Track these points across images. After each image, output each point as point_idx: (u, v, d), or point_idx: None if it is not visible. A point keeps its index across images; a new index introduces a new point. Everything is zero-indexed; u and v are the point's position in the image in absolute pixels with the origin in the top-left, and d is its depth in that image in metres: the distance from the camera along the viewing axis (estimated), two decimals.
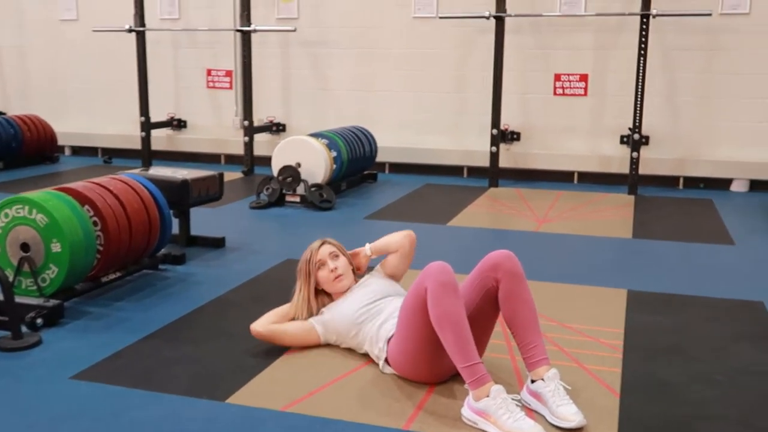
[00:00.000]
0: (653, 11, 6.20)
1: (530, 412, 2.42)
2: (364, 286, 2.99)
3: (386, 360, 2.72)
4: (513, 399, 2.36)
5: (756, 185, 6.60)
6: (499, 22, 6.54)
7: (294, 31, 7.23)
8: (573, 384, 2.55)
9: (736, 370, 2.80)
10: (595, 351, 2.97)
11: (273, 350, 2.93)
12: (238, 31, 7.25)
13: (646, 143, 6.69)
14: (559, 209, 5.76)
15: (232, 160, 7.90)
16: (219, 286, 3.76)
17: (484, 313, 2.61)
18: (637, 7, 6.35)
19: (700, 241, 4.82)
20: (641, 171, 6.49)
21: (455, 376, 2.64)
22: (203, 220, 4.95)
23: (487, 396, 2.32)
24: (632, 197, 6.31)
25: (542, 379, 2.44)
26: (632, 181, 6.45)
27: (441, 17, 6.93)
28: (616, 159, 6.86)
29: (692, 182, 6.79)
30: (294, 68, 7.71)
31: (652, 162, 6.73)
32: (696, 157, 6.73)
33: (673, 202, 6.13)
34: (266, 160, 7.19)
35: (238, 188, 6.54)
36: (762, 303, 3.55)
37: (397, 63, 7.37)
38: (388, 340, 2.71)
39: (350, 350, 2.93)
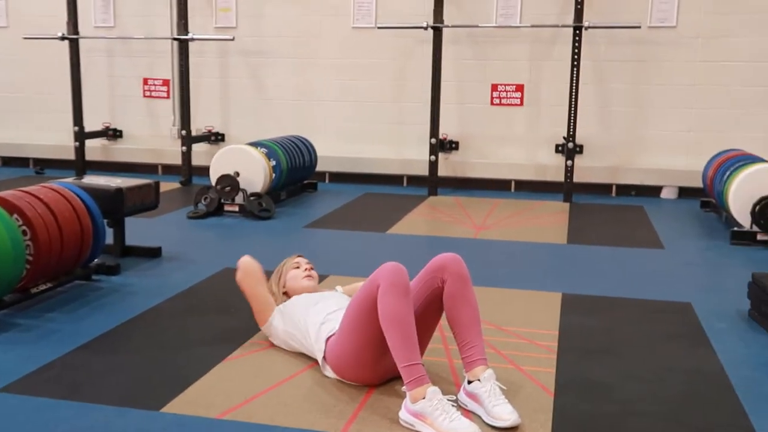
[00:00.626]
0: (585, 23, 6.37)
1: (467, 412, 2.45)
2: (323, 296, 3.02)
3: (324, 358, 2.73)
4: (449, 400, 2.39)
5: (684, 192, 6.82)
6: (437, 32, 6.62)
7: (232, 40, 7.19)
8: (509, 384, 2.59)
9: (664, 369, 2.88)
10: (531, 353, 3.03)
11: (210, 357, 2.90)
12: (175, 39, 7.17)
13: (580, 152, 6.86)
14: (496, 217, 5.85)
15: (169, 170, 7.79)
16: (154, 297, 3.69)
17: (427, 314, 2.65)
18: (570, 19, 6.52)
19: (632, 245, 4.95)
20: (576, 179, 6.64)
21: (394, 379, 2.66)
22: (139, 230, 4.86)
23: (424, 398, 2.34)
24: (567, 204, 6.45)
25: (479, 380, 2.47)
26: (567, 188, 6.59)
27: (380, 27, 6.98)
28: (551, 167, 7.00)
29: (624, 189, 6.98)
30: (233, 77, 7.66)
31: (586, 170, 6.90)
32: (628, 165, 6.93)
33: (607, 209, 6.29)
34: (205, 170, 7.10)
35: (176, 198, 6.45)
36: (690, 304, 3.67)
37: (336, 73, 7.39)
38: (327, 339, 2.72)
39: (289, 356, 2.92)
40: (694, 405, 2.58)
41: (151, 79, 7.81)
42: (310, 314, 2.87)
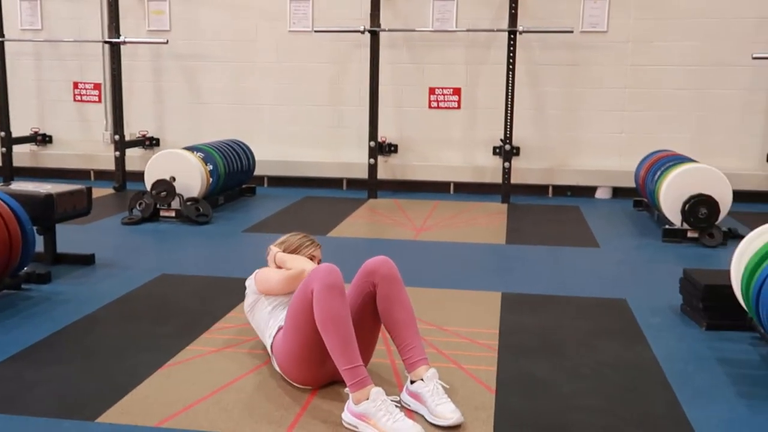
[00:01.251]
0: (520, 28, 6.48)
1: (410, 412, 2.45)
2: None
3: (271, 348, 2.71)
4: (393, 400, 2.38)
5: (618, 192, 6.99)
6: (374, 36, 6.63)
7: (166, 43, 7.06)
8: (451, 383, 2.60)
9: (602, 364, 2.94)
10: (472, 351, 3.04)
11: (147, 366, 2.82)
12: (106, 42, 7.00)
13: (517, 154, 6.96)
14: (436, 218, 5.89)
15: (102, 176, 7.58)
16: (87, 305, 3.58)
17: (365, 319, 2.63)
18: (504, 23, 6.61)
19: (568, 245, 5.04)
20: (513, 180, 6.73)
21: (336, 382, 2.64)
22: (71, 237, 4.72)
23: (367, 399, 2.33)
24: (505, 205, 6.54)
25: (421, 380, 2.47)
26: (505, 190, 6.68)
27: (316, 31, 6.96)
28: (489, 169, 7.09)
29: (560, 190, 7.12)
30: (167, 81, 7.52)
31: (523, 172, 7.01)
32: (563, 166, 7.07)
33: (543, 209, 6.40)
34: (139, 176, 6.94)
35: (110, 204, 6.29)
36: (625, 300, 3.76)
37: (273, 76, 7.33)
38: (278, 329, 2.70)
39: (228, 361, 2.87)
40: (631, 398, 2.63)
41: (81, 83, 7.61)
42: (269, 302, 2.83)
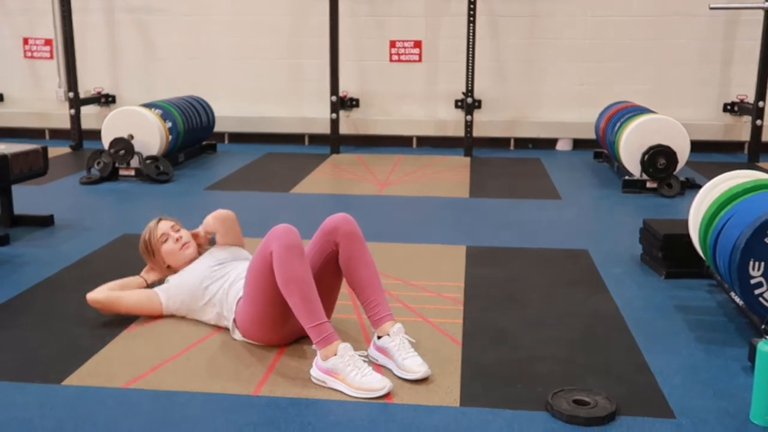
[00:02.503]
0: None
1: (378, 367, 2.47)
2: (209, 254, 2.94)
3: (235, 321, 2.68)
4: (360, 356, 2.40)
5: (578, 144, 7.05)
6: None
7: None
8: (417, 337, 2.63)
9: (564, 314, 3.00)
10: (438, 305, 3.08)
11: (111, 328, 2.80)
12: None
13: (479, 107, 6.95)
14: (399, 173, 5.88)
15: (57, 134, 7.40)
16: (47, 267, 3.53)
17: (327, 276, 2.63)
18: None
19: (531, 197, 5.09)
20: (475, 133, 6.74)
21: (302, 338, 2.65)
22: (28, 198, 4.62)
23: (335, 354, 2.35)
24: (468, 159, 6.55)
25: (388, 335, 2.50)
26: (467, 143, 6.69)
27: None
28: (451, 123, 7.08)
29: (522, 143, 7.15)
30: (120, 36, 7.31)
31: (485, 125, 7.01)
32: (524, 119, 7.09)
33: (506, 162, 6.43)
34: (95, 134, 6.77)
35: (66, 164, 6.15)
36: (586, 251, 3.82)
37: (230, 30, 7.17)
38: (238, 301, 2.67)
39: (194, 322, 2.85)
40: (592, 346, 2.69)
41: (32, 38, 7.37)
42: (209, 280, 2.80)
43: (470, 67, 6.56)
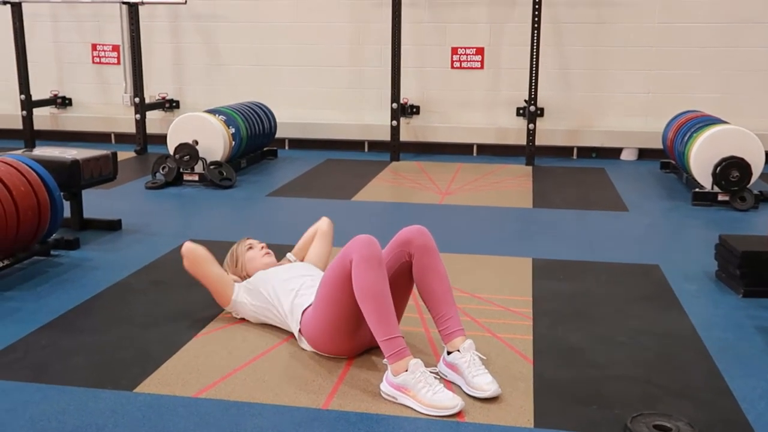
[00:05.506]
0: None
1: (448, 384, 2.43)
2: (288, 266, 3.03)
3: (300, 331, 2.67)
4: (432, 372, 2.36)
5: (644, 154, 6.88)
6: None
7: (185, 3, 6.94)
8: (487, 353, 2.58)
9: (637, 331, 2.90)
10: (506, 320, 3.02)
11: (180, 334, 2.82)
12: (124, 3, 6.90)
13: (541, 115, 6.85)
14: (460, 181, 5.83)
15: (122, 138, 7.56)
16: (117, 271, 3.58)
17: (398, 288, 2.60)
18: None
19: (597, 208, 4.98)
20: (537, 142, 6.63)
21: (371, 350, 2.63)
22: (96, 203, 4.71)
23: (406, 370, 2.31)
24: (530, 168, 6.45)
25: (458, 351, 2.45)
26: (529, 152, 6.59)
27: None
28: (512, 131, 6.99)
29: (585, 152, 7.02)
30: (185, 43, 7.43)
31: (547, 133, 6.90)
32: (588, 127, 6.95)
33: (569, 172, 6.32)
34: (159, 138, 6.95)
35: (132, 168, 6.27)
36: (657, 266, 3.70)
37: (293, 37, 7.22)
38: (303, 311, 2.66)
39: (262, 330, 2.86)
40: (669, 367, 2.60)
41: (100, 44, 7.54)
42: (281, 287, 2.82)
43: (534, 75, 6.46)
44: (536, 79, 6.47)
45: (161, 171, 5.55)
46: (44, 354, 2.68)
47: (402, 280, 2.60)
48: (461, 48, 6.99)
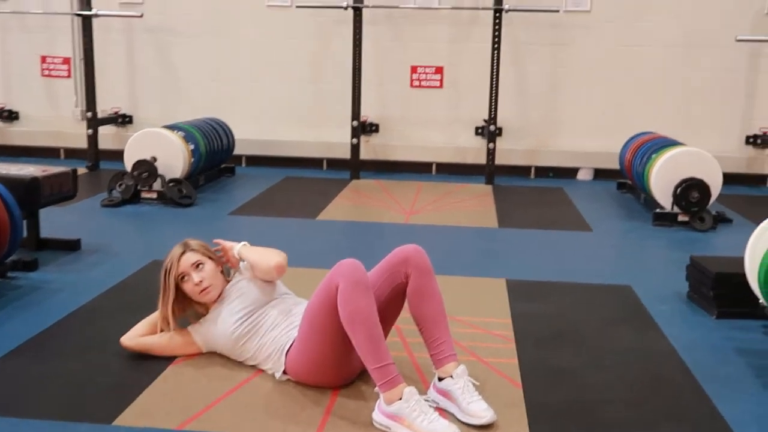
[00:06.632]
0: (506, 6, 6.39)
1: (441, 411, 2.37)
2: (239, 292, 2.71)
3: (284, 371, 2.57)
4: (426, 400, 2.31)
5: (599, 173, 6.98)
6: (357, 12, 6.48)
7: (141, 16, 6.78)
8: (474, 378, 2.53)
9: (621, 353, 2.91)
10: (489, 343, 2.98)
11: (155, 362, 2.70)
12: (77, 15, 6.70)
13: (500, 134, 6.89)
14: (423, 200, 5.81)
15: (72, 154, 7.30)
16: (81, 294, 3.43)
17: (388, 311, 2.55)
18: (489, 1, 6.51)
19: (561, 228, 5.01)
20: (496, 161, 6.66)
21: (357, 377, 2.56)
22: (51, 221, 4.51)
23: (400, 398, 2.25)
24: (490, 187, 6.48)
25: (451, 376, 2.40)
26: (489, 171, 6.62)
27: (298, 6, 6.75)
28: (471, 150, 7.02)
29: (542, 171, 7.09)
30: (140, 56, 7.25)
31: (505, 152, 6.94)
32: (545, 147, 7.03)
33: (529, 191, 6.37)
34: (111, 154, 6.77)
35: (85, 185, 6.03)
36: (630, 287, 3.73)
37: (251, 52, 7.12)
38: (287, 352, 2.55)
39: None
40: (659, 390, 2.60)
41: (50, 57, 7.30)
42: (244, 341, 2.62)
43: (494, 95, 6.51)
44: (496, 99, 6.51)
45: (118, 188, 5.38)
46: (12, 384, 2.53)
47: (394, 301, 2.54)
48: (421, 67, 7.00)
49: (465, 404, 2.34)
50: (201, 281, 2.67)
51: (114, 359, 2.74)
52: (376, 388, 2.31)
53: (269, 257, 2.67)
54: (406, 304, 2.57)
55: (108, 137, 7.12)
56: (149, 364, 2.68)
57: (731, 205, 5.60)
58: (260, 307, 2.67)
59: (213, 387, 2.53)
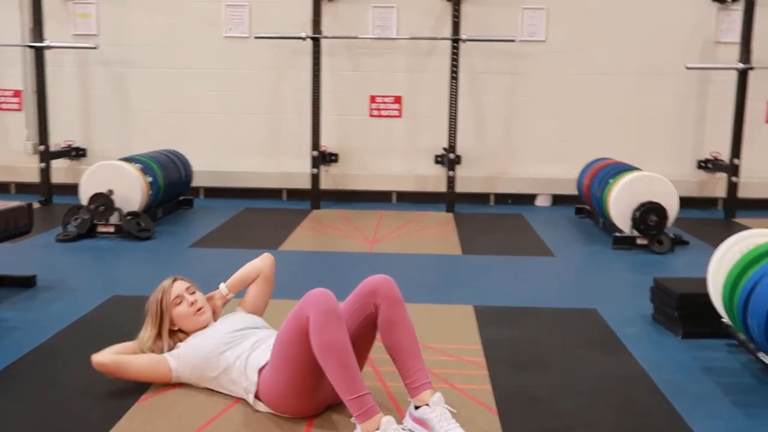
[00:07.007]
0: (463, 36, 6.48)
1: None
2: (226, 319, 2.80)
3: (257, 395, 2.51)
4: (402, 429, 2.27)
5: (557, 199, 7.07)
6: (316, 43, 6.50)
7: (96, 48, 6.69)
8: (450, 405, 2.49)
9: (592, 377, 2.92)
10: (461, 369, 2.96)
11: (121, 399, 2.61)
12: (29, 47, 6.58)
13: (459, 162, 6.93)
14: (385, 229, 5.80)
15: (24, 188, 7.11)
16: (39, 332, 3.31)
17: (361, 341, 2.51)
18: (447, 32, 6.60)
19: (524, 254, 5.04)
20: (455, 189, 6.70)
21: (331, 407, 2.51)
22: (3, 257, 4.38)
23: (377, 429, 2.21)
24: (451, 215, 6.51)
25: (427, 404, 2.37)
26: (450, 198, 6.66)
27: (257, 37, 6.74)
28: (431, 178, 7.05)
29: (501, 198, 7.15)
30: (94, 88, 7.14)
31: (464, 180, 6.98)
32: (503, 174, 7.10)
33: (489, 218, 6.41)
34: (65, 188, 6.63)
35: (38, 220, 5.80)
36: (595, 310, 3.76)
37: (208, 84, 7.07)
38: (260, 370, 2.51)
39: (212, 391, 2.68)
40: (633, 413, 2.61)
41: (0, 89, 7.14)
42: (227, 349, 2.62)
43: (453, 123, 6.57)
44: (455, 127, 6.57)
45: (73, 222, 5.25)
46: None
47: (365, 332, 2.51)
48: (379, 96, 7.04)
49: None
50: (196, 301, 2.76)
51: (77, 398, 2.64)
52: (353, 419, 2.27)
53: (251, 262, 2.94)
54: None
55: (61, 171, 6.96)
56: (113, 402, 2.59)
57: (686, 228, 5.71)
58: (246, 328, 2.73)
59: (182, 425, 2.45)
